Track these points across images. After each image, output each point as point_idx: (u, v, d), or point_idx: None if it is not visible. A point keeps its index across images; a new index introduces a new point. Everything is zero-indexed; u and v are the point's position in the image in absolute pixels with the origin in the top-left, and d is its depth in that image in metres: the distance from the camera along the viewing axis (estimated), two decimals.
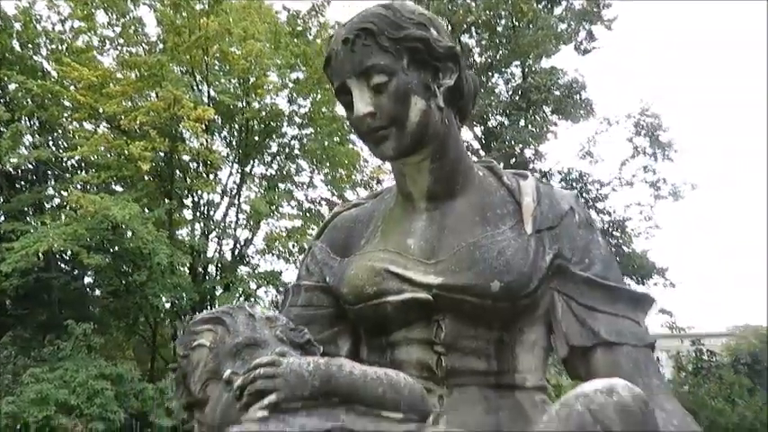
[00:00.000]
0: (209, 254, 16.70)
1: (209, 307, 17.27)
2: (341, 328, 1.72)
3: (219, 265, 16.47)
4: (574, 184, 13.68)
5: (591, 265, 1.60)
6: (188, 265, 15.55)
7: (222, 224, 16.54)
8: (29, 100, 14.52)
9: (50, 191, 16.69)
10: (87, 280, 17.87)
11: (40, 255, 12.24)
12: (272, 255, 18.16)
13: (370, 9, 1.57)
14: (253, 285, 17.99)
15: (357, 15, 1.58)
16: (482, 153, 13.58)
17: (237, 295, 16.26)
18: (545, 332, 1.64)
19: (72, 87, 13.90)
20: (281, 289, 17.89)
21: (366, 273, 1.61)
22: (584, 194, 13.62)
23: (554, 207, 1.66)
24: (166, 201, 15.16)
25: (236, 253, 17.06)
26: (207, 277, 17.01)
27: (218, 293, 16.12)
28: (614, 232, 13.75)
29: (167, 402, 11.35)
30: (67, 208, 14.35)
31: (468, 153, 1.91)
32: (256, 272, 18.21)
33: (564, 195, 1.73)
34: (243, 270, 17.14)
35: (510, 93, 13.93)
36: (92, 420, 9.69)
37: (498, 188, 1.72)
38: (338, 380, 1.21)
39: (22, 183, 17.20)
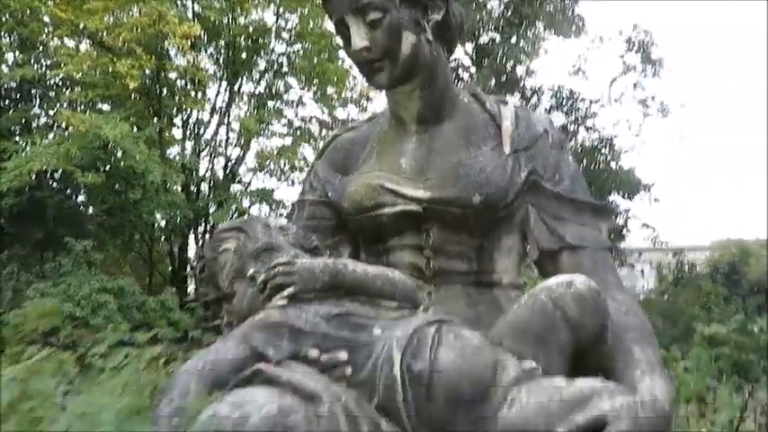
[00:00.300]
0: (201, 172, 16.83)
1: (203, 224, 17.61)
2: (341, 237, 1.97)
3: (212, 184, 16.66)
4: (564, 102, 13.75)
5: (560, 181, 1.84)
6: (181, 183, 15.67)
7: (213, 143, 16.57)
8: (7, 15, 14.11)
9: (36, 110, 16.53)
10: (80, 198, 18.03)
11: (33, 174, 12.34)
12: (264, 173, 18.27)
13: None
14: (246, 203, 18.22)
15: None
16: (473, 70, 13.53)
17: (231, 212, 16.53)
18: (520, 239, 1.89)
19: (51, 2, 13.49)
20: (273, 207, 18.19)
21: (364, 189, 1.84)
22: (573, 112, 13.73)
23: (530, 129, 1.88)
24: (155, 120, 15.10)
25: (228, 171, 17.19)
26: (200, 195, 17.20)
27: (211, 211, 16.38)
28: (603, 149, 13.97)
29: (169, 314, 11.86)
30: (56, 127, 14.26)
31: (460, 70, 2.10)
32: (248, 190, 18.38)
33: (540, 119, 1.95)
34: (235, 188, 17.32)
35: (502, 8, 13.71)
36: (98, 331, 10.18)
37: (481, 113, 1.93)
38: (344, 275, 1.47)
39: (7, 102, 16.98)
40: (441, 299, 1.77)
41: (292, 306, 1.42)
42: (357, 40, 1.71)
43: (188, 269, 17.78)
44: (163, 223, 16.56)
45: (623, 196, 14.65)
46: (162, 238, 17.24)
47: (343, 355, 1.34)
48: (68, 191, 16.32)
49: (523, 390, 1.35)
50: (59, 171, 14.13)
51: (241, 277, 1.55)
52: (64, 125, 12.57)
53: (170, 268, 18.71)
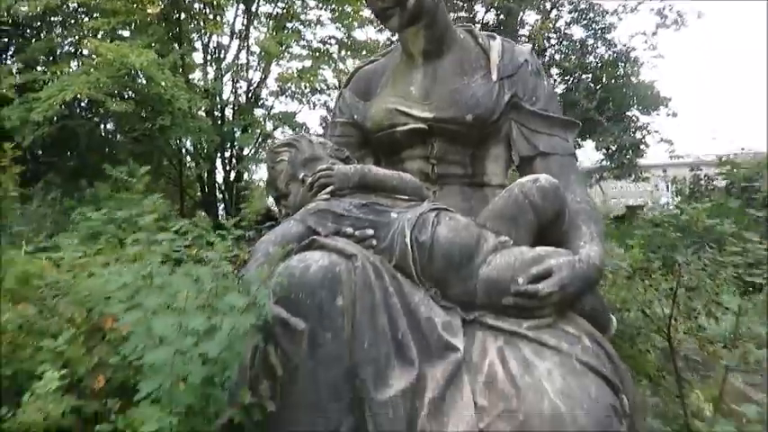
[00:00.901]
0: (225, 96, 17.25)
1: (229, 149, 18.22)
2: (366, 151, 2.53)
3: (236, 108, 17.11)
4: (584, 14, 13.69)
5: (536, 101, 2.35)
6: (204, 108, 16.11)
7: (234, 66, 16.90)
8: None
9: (60, 39, 16.88)
10: (109, 126, 18.63)
11: (64, 103, 12.90)
12: (285, 96, 18.61)
13: None
14: (269, 126, 18.67)
15: None
16: None
17: (256, 137, 17.02)
18: (505, 148, 2.43)
19: None
20: (295, 130, 18.64)
21: (382, 112, 2.38)
22: (592, 25, 13.68)
23: (513, 60, 2.38)
24: (177, 46, 15.41)
25: (251, 95, 17.59)
26: (224, 120, 17.68)
27: (237, 135, 16.91)
28: (622, 64, 14.01)
29: (207, 236, 12.64)
30: (80, 56, 14.65)
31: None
32: (271, 113, 18.77)
33: (522, 51, 2.43)
34: (258, 112, 17.75)
35: None
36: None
37: (474, 47, 2.42)
38: (369, 176, 2.04)
39: (30, 31, 17.35)
40: (442, 196, 2.33)
41: (333, 199, 2.00)
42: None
43: (217, 193, 18.57)
44: (191, 148, 17.20)
45: (642, 111, 14.80)
46: (190, 164, 17.94)
47: (370, 232, 1.92)
48: (97, 119, 16.91)
49: (497, 255, 1.93)
50: (87, 100, 14.65)
51: (294, 180, 2.14)
52: (90, 54, 12.97)
53: (199, 192, 19.51)
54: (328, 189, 2.01)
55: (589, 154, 15.73)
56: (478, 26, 11.97)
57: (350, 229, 1.92)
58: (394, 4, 2.21)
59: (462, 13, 13.68)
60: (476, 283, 1.90)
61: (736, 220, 11.34)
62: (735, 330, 2.66)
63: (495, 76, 2.33)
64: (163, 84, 12.51)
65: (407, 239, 1.89)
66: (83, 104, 16.87)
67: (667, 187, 16.39)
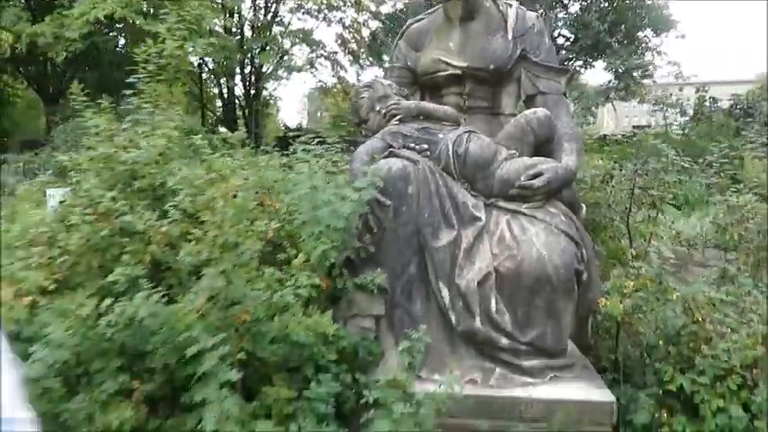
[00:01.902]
0: (243, 13, 17.81)
1: (249, 65, 18.91)
2: (415, 88, 3.56)
3: (255, 26, 17.70)
4: None
5: (539, 54, 3.36)
6: (223, 25, 16.69)
7: None
8: None
9: None
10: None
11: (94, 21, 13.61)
12: (303, 13, 19.09)
13: None
14: (287, 44, 19.28)
15: None
16: None
17: (274, 53, 17.67)
18: (516, 88, 3.45)
19: None
20: (313, 47, 19.25)
21: (429, 61, 3.39)
22: None
23: (524, 23, 3.36)
24: None
25: (269, 13, 18.10)
26: (243, 37, 18.29)
27: (256, 52, 17.58)
28: None
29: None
30: None
31: None
32: (288, 30, 19.33)
33: (531, 16, 3.41)
34: (276, 30, 18.34)
35: None
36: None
37: (496, 13, 3.40)
38: (423, 109, 3.11)
39: None
40: (471, 121, 3.38)
41: (400, 125, 3.07)
42: None
43: (237, 110, 19.47)
44: (212, 66, 17.95)
45: (654, 32, 15.35)
46: (212, 80, 18.76)
47: (425, 146, 3.00)
48: (123, 36, 17.56)
49: (507, 162, 3.01)
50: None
51: (372, 111, 3.19)
52: None
53: (220, 109, 20.38)
54: (397, 118, 3.08)
55: (598, 75, 16.37)
56: None
57: (412, 145, 3.00)
58: None
59: None
60: (493, 181, 2.99)
61: (730, 140, 12.25)
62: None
63: (510, 36, 3.33)
64: (191, 3, 13.18)
65: (450, 152, 2.97)
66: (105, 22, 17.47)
67: (682, 106, 17.07)
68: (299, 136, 3.74)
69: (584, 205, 3.25)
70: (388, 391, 2.20)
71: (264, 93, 20.12)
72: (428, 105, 3.20)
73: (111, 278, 2.10)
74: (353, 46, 20.62)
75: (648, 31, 14.88)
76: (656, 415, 2.62)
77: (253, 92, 19.29)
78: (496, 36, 3.36)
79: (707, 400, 2.50)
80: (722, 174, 3.90)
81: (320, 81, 20.26)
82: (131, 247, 2.28)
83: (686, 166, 3.59)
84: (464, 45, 3.37)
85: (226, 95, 19.13)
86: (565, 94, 3.45)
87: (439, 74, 3.38)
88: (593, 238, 3.75)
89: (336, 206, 2.48)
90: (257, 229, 2.27)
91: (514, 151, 3.07)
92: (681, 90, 16.96)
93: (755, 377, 2.47)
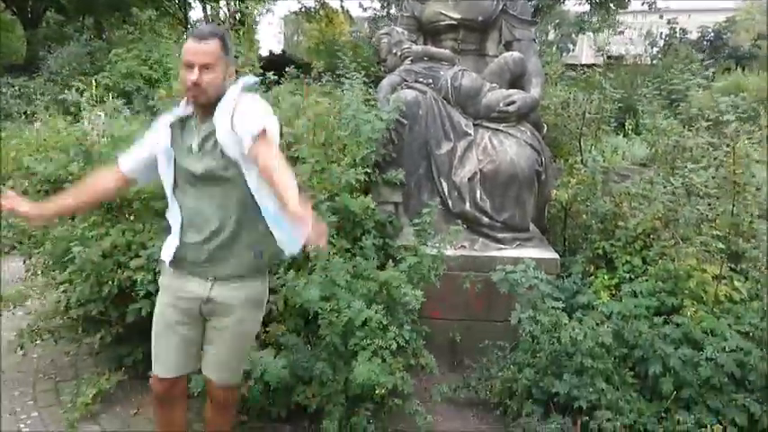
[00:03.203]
0: None
1: None
2: (420, 34, 4.65)
3: None
4: None
5: (516, 9, 4.48)
6: None
7: None
8: None
9: None
10: None
11: None
12: None
13: None
14: None
15: None
16: None
17: None
18: (498, 35, 4.57)
19: None
20: None
21: (431, 13, 4.49)
22: None
23: None
24: None
25: None
26: None
27: None
28: None
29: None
30: None
31: None
32: None
33: None
34: None
35: None
36: (170, 90, 12.94)
37: None
38: (428, 51, 4.25)
39: None
40: (464, 62, 4.50)
41: (412, 64, 4.20)
42: None
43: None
44: None
45: None
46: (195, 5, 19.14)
47: (430, 81, 4.15)
48: None
49: (490, 93, 4.18)
50: None
51: (390, 53, 4.31)
52: None
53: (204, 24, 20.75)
54: (409, 59, 4.20)
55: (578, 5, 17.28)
56: None
57: (421, 79, 4.14)
58: None
59: None
60: (480, 107, 4.16)
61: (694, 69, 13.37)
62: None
63: None
64: None
65: (448, 85, 4.13)
66: None
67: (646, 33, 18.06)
68: (287, 61, 4.79)
69: (545, 125, 4.46)
70: (404, 251, 3.45)
71: (248, 15, 20.57)
72: (432, 49, 4.32)
73: None
74: None
75: None
76: (587, 269, 3.93)
77: (238, 16, 19.76)
78: None
79: (619, 256, 3.80)
80: (655, 103, 5.09)
81: (304, 6, 20.73)
82: None
83: (617, 97, 4.79)
84: (458, 1, 4.46)
85: (211, 19, 19.56)
86: (534, 41, 4.59)
87: (439, 23, 4.48)
88: (555, 155, 5.01)
89: (372, 124, 3.64)
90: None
91: (495, 84, 4.23)
92: (661, 17, 17.84)
93: (651, 240, 3.78)
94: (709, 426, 2.81)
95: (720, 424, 2.83)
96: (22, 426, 3.07)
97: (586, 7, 16.97)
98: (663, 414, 2.93)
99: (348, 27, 24.30)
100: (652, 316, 3.21)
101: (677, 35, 16.59)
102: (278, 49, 26.39)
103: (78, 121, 5.97)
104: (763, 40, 15.92)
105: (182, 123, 2.14)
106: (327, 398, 2.92)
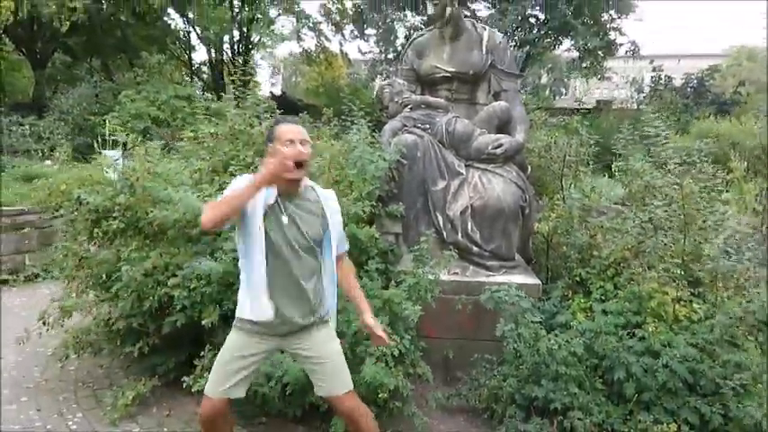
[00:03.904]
0: None
1: (239, 35, 20.11)
2: (417, 85, 5.26)
3: None
4: None
5: (503, 64, 5.09)
6: None
7: None
8: None
9: None
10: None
11: None
12: None
13: None
14: (273, 12, 20.52)
15: None
16: None
17: (265, 25, 18.93)
18: (487, 86, 5.18)
19: None
20: (298, 17, 20.52)
21: (428, 65, 5.10)
22: None
23: (494, 41, 5.08)
24: None
25: None
26: (232, 7, 19.48)
27: (251, 23, 18.81)
28: None
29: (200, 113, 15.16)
30: None
31: None
32: (275, 0, 20.55)
33: (498, 36, 5.14)
34: (266, 2, 19.56)
35: None
36: (177, 131, 13.58)
37: (474, 33, 5.10)
38: (425, 100, 4.86)
39: None
40: (456, 109, 5.10)
41: (411, 111, 4.79)
42: (429, 8, 4.85)
43: (224, 76, 20.76)
44: (201, 34, 19.14)
45: (617, 14, 17.07)
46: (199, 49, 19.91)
47: (427, 126, 4.73)
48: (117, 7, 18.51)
49: (480, 137, 4.76)
50: None
51: (392, 101, 4.90)
52: None
53: (208, 75, 21.53)
54: (409, 106, 4.79)
55: (563, 54, 18.19)
56: None
57: (419, 125, 4.72)
58: (443, 18, 4.87)
59: None
60: (471, 149, 4.74)
61: (678, 115, 14.06)
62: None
63: (484, 51, 5.03)
64: None
65: (443, 130, 4.70)
66: None
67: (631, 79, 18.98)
68: (289, 103, 5.35)
69: (530, 166, 5.03)
70: (403, 275, 3.96)
71: (252, 60, 21.35)
72: (428, 98, 4.92)
73: None
74: (336, 17, 21.93)
75: (611, 14, 16.60)
76: (566, 293, 4.44)
77: (241, 60, 20.53)
78: (474, 50, 5.07)
79: (594, 282, 4.32)
80: (630, 147, 5.67)
81: (305, 49, 21.61)
82: None
83: (592, 143, 5.40)
84: (452, 56, 5.08)
85: (215, 62, 20.34)
86: (519, 92, 5.19)
87: (435, 75, 5.09)
88: (540, 193, 5.58)
89: (376, 164, 4.20)
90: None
91: (485, 130, 4.81)
92: (652, 62, 18.65)
93: (622, 268, 4.30)
94: (665, 424, 3.30)
95: (675, 423, 3.31)
96: (70, 424, 3.53)
97: (576, 53, 17.84)
98: (627, 415, 3.42)
99: (345, 69, 25.26)
100: (619, 331, 3.71)
101: (662, 82, 17.44)
102: (275, 90, 27.26)
103: (117, 159, 6.55)
104: (743, 87, 16.74)
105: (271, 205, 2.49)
106: None
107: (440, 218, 4.55)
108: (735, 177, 7.09)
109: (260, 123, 4.48)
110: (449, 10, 4.87)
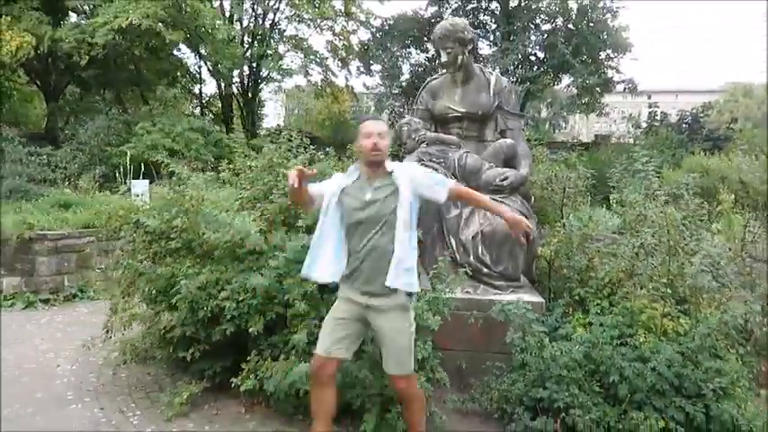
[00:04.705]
0: (245, 23, 19.90)
1: (249, 69, 20.91)
2: (431, 123, 5.88)
3: (255, 34, 19.75)
4: None
5: (508, 105, 5.72)
6: (227, 35, 18.52)
7: None
8: None
9: None
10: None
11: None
12: (299, 22, 21.19)
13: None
14: (281, 48, 21.38)
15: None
16: None
17: (275, 61, 19.73)
18: (494, 125, 5.80)
19: None
20: (306, 54, 21.37)
21: (442, 106, 5.73)
22: None
23: (500, 85, 5.72)
24: None
25: (269, 22, 20.19)
26: (242, 43, 20.31)
27: (261, 58, 19.60)
28: (590, 11, 16.95)
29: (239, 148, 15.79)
30: None
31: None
32: (284, 36, 21.46)
33: (504, 80, 5.78)
34: (275, 39, 20.43)
35: None
36: (191, 161, 14.21)
37: (483, 78, 5.74)
38: (439, 137, 5.47)
39: None
40: (467, 145, 5.70)
41: (427, 147, 5.39)
42: (443, 57, 5.49)
43: (234, 109, 21.57)
44: (212, 68, 19.93)
45: (614, 53, 17.94)
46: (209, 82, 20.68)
47: (441, 161, 5.32)
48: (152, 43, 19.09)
49: (488, 171, 5.36)
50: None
51: (410, 138, 5.51)
52: None
53: (221, 107, 22.23)
54: (424, 143, 5.39)
55: (562, 92, 18.99)
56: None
57: (434, 159, 5.31)
58: (455, 65, 5.50)
59: None
60: (480, 182, 5.32)
61: (674, 150, 14.71)
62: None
63: (491, 94, 5.66)
64: (207, 14, 15.24)
65: (455, 164, 5.30)
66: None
67: (624, 115, 19.83)
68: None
69: (533, 197, 5.62)
70: (423, 291, 4.50)
71: (261, 94, 22.15)
72: (442, 136, 5.53)
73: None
74: (343, 53, 22.82)
75: (608, 52, 17.47)
76: (567, 310, 4.98)
77: (250, 94, 21.35)
78: (482, 93, 5.70)
79: (591, 300, 4.87)
80: (623, 180, 6.27)
81: (313, 84, 22.44)
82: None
83: (589, 176, 6.00)
84: (463, 98, 5.70)
85: (225, 96, 21.08)
86: (523, 129, 5.81)
87: (448, 115, 5.71)
88: (542, 222, 6.14)
89: None
90: None
91: (492, 164, 5.40)
92: (650, 97, 19.44)
93: (616, 287, 4.85)
94: (655, 422, 3.81)
95: (663, 420, 3.83)
96: (132, 421, 4.04)
97: (575, 90, 18.66)
98: (621, 413, 3.93)
99: (349, 102, 26.12)
100: (614, 342, 4.25)
101: (658, 117, 18.21)
102: (279, 122, 28.05)
103: (144, 189, 7.10)
104: (735, 123, 17.48)
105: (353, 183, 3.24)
106: (368, 398, 3.92)
107: (453, 242, 5.11)
108: (723, 209, 7.67)
109: (295, 157, 5.05)
110: (460, 58, 5.52)
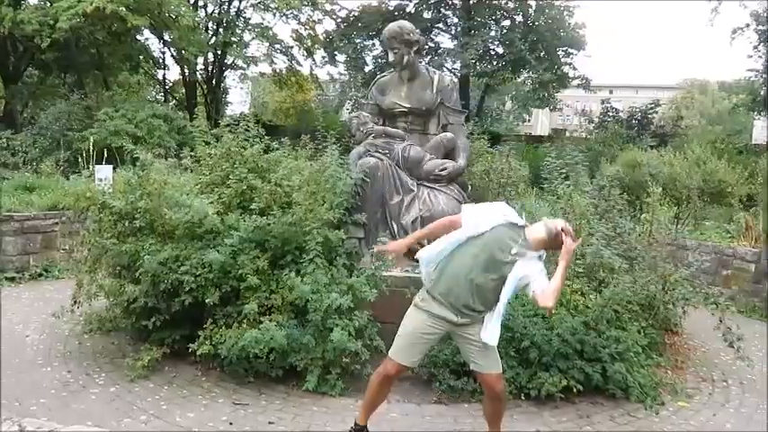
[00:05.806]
0: (210, 10, 20.09)
1: (214, 57, 21.11)
2: (379, 117, 6.41)
3: (223, 22, 19.95)
4: None
5: (450, 101, 6.29)
6: (192, 21, 18.73)
7: None
8: None
9: None
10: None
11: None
12: (264, 10, 21.45)
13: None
14: (246, 36, 21.62)
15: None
16: None
17: (240, 49, 19.98)
18: (437, 119, 6.36)
19: None
20: (271, 42, 21.65)
21: (389, 101, 6.27)
22: None
23: (443, 82, 6.29)
24: None
25: (235, 11, 20.41)
26: (207, 30, 20.51)
27: (228, 46, 19.82)
28: (549, 12, 17.70)
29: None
30: None
31: None
32: (249, 24, 21.70)
33: (446, 78, 6.35)
34: (240, 27, 20.67)
35: None
36: (154, 147, 14.47)
37: (427, 76, 6.30)
38: (385, 130, 6.02)
39: None
40: (411, 138, 6.24)
41: (374, 139, 5.93)
42: (391, 56, 6.03)
43: (197, 96, 21.75)
44: (176, 55, 20.12)
45: (570, 50, 18.70)
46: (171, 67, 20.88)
47: (386, 152, 5.87)
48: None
49: (429, 162, 5.92)
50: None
51: (358, 130, 6.04)
52: None
53: (183, 94, 22.44)
54: (371, 135, 5.93)
55: (518, 87, 19.72)
56: None
57: (380, 150, 5.85)
58: (401, 64, 6.04)
59: None
60: (422, 171, 5.88)
61: (621, 145, 15.51)
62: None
63: (434, 91, 6.22)
64: (172, 0, 15.44)
65: (399, 155, 5.85)
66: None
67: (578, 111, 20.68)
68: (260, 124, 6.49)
69: (470, 185, 6.21)
70: (363, 270, 5.05)
71: (225, 81, 22.35)
72: (388, 129, 6.07)
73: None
74: (308, 42, 23.15)
75: (565, 49, 18.22)
76: None
77: (214, 81, 21.56)
78: (427, 90, 6.25)
79: None
80: (555, 173, 6.90)
81: (277, 72, 22.75)
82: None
83: (520, 169, 6.61)
84: (409, 95, 6.25)
85: (189, 82, 21.25)
86: (463, 124, 6.39)
87: (394, 110, 6.25)
88: None
89: (344, 181, 5.30)
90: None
91: (434, 156, 5.97)
92: (611, 92, 20.35)
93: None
94: (558, 380, 4.44)
95: (566, 379, 4.46)
96: (98, 380, 4.51)
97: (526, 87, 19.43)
98: (532, 375, 4.55)
99: (314, 90, 26.49)
100: (528, 314, 4.87)
101: (609, 113, 19.10)
102: (244, 110, 28.28)
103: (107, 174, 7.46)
104: (681, 120, 18.44)
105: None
106: (311, 361, 4.47)
107: (395, 226, 5.67)
108: (651, 201, 8.40)
109: (251, 146, 5.53)
110: (406, 58, 6.05)
